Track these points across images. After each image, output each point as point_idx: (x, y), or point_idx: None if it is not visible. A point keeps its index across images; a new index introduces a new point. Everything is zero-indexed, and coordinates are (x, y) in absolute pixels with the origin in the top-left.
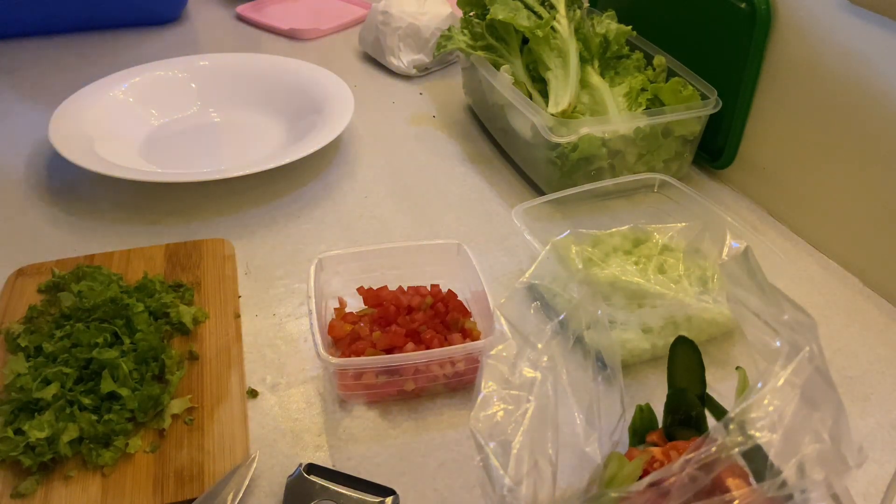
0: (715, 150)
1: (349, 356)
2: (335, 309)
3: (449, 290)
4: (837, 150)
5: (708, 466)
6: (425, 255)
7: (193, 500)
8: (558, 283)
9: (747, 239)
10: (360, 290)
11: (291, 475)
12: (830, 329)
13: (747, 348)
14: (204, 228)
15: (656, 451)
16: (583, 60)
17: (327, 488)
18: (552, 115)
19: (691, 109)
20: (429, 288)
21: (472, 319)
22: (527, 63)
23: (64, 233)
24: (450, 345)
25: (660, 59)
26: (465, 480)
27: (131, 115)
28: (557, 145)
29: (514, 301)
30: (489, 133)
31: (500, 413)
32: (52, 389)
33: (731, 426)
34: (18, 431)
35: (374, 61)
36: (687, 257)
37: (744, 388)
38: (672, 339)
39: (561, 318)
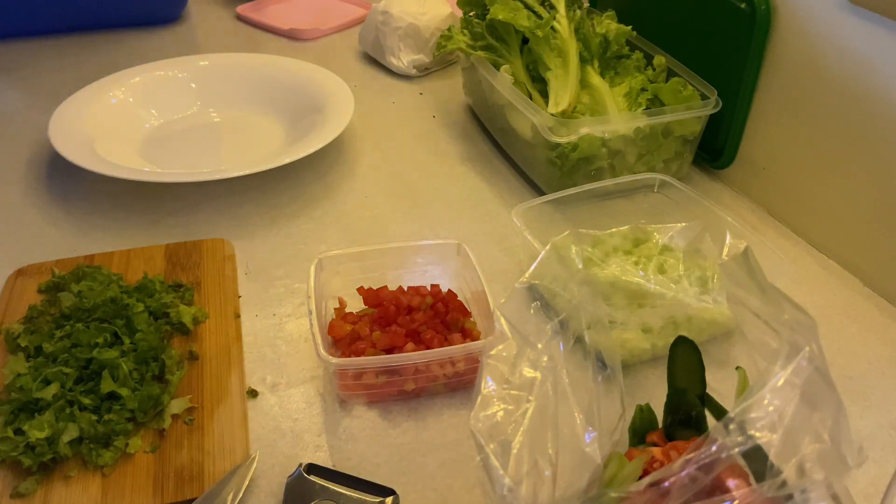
0: (715, 150)
1: (349, 356)
2: (335, 309)
3: (449, 290)
4: (837, 150)
5: (708, 466)
6: (425, 255)
7: (193, 500)
8: (558, 283)
9: (747, 239)
10: (360, 290)
11: (291, 475)
12: (830, 329)
13: (747, 348)
14: (204, 228)
15: (656, 451)
16: (583, 60)
17: (327, 488)
18: (552, 115)
19: (691, 109)
20: (429, 288)
21: (472, 319)
22: (527, 63)
23: (64, 233)
24: (450, 345)
25: (660, 59)
26: (465, 480)
27: (131, 115)
28: (557, 145)
29: (514, 301)
30: (489, 133)
31: (500, 413)
32: (52, 389)
33: (731, 426)
34: (18, 431)
35: (374, 61)
36: (687, 257)
37: (744, 388)
38: (672, 339)
39: (561, 318)
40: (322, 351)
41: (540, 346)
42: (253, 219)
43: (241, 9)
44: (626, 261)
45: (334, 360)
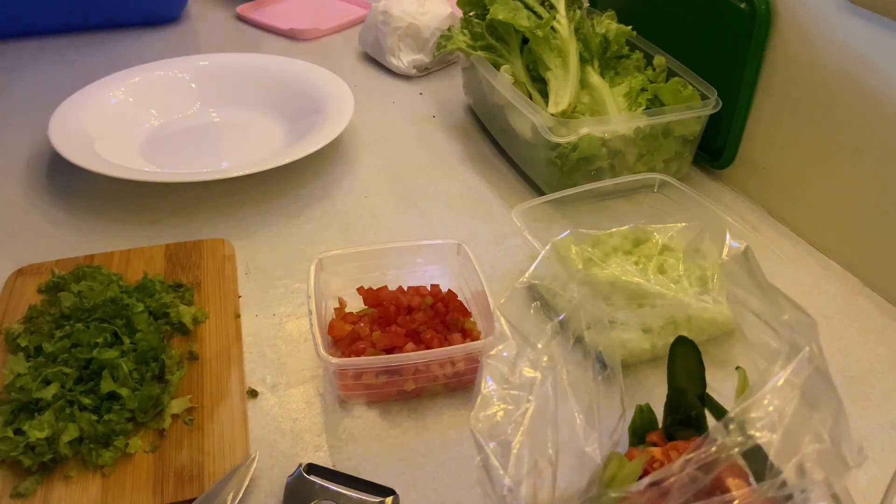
0: (715, 150)
1: (349, 356)
2: (335, 309)
3: (449, 290)
4: (837, 149)
5: (708, 466)
6: (425, 255)
7: (193, 500)
8: (558, 283)
9: (747, 239)
10: (360, 290)
11: (291, 475)
12: (830, 329)
13: (747, 348)
14: (204, 228)
15: (656, 451)
16: (583, 60)
17: (327, 488)
18: (552, 115)
19: (691, 109)
20: (429, 288)
21: (472, 319)
22: (527, 63)
23: (64, 233)
24: (450, 345)
25: (660, 59)
26: (465, 480)
27: (131, 115)
28: (557, 145)
29: (514, 301)
30: (489, 133)
31: (500, 413)
32: (52, 389)
33: (731, 426)
34: (18, 431)
35: (374, 61)
36: (687, 257)
37: (744, 388)
38: (672, 339)
39: (561, 318)
40: (322, 351)
41: (540, 346)
42: (253, 219)
43: (241, 9)
44: (626, 261)
45: (334, 360)
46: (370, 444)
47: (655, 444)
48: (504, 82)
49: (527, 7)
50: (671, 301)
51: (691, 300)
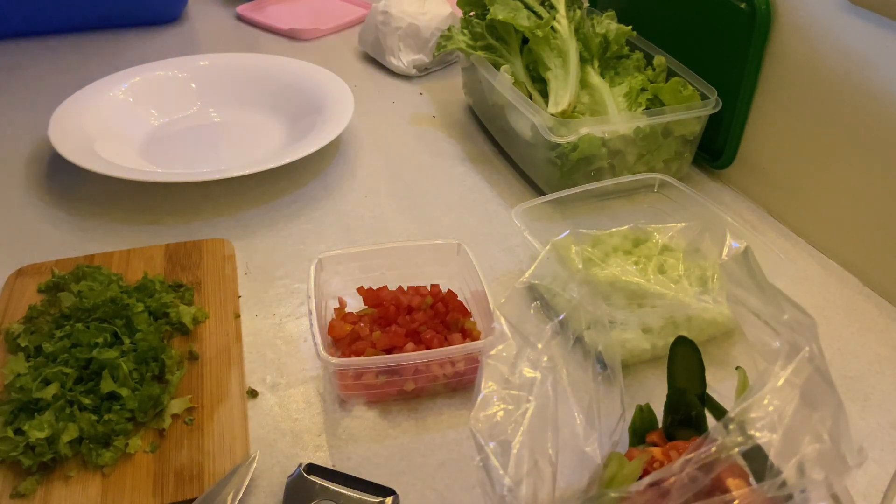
0: (715, 150)
1: (349, 356)
2: (335, 309)
3: (449, 290)
4: (837, 149)
5: (708, 466)
6: (425, 255)
7: (193, 500)
8: (558, 283)
9: (747, 239)
10: (360, 290)
11: (291, 475)
12: (830, 329)
13: (747, 348)
14: (204, 228)
15: (656, 451)
16: (583, 60)
17: (327, 488)
18: (552, 115)
19: (691, 109)
20: (429, 288)
21: (472, 319)
22: (527, 63)
23: (64, 233)
24: (450, 345)
25: (660, 59)
26: (465, 480)
27: (131, 115)
28: (557, 145)
29: (514, 301)
30: (489, 133)
31: (500, 413)
32: (52, 389)
33: (731, 426)
34: (18, 431)
35: (374, 61)
36: (687, 257)
37: (744, 388)
38: (672, 339)
39: (561, 318)
40: (322, 351)
41: (540, 346)
42: (253, 219)
43: (241, 9)
44: (626, 261)
45: (334, 360)
46: (370, 444)
47: (655, 444)
48: (504, 82)
49: (527, 7)
50: (671, 301)
51: (691, 300)
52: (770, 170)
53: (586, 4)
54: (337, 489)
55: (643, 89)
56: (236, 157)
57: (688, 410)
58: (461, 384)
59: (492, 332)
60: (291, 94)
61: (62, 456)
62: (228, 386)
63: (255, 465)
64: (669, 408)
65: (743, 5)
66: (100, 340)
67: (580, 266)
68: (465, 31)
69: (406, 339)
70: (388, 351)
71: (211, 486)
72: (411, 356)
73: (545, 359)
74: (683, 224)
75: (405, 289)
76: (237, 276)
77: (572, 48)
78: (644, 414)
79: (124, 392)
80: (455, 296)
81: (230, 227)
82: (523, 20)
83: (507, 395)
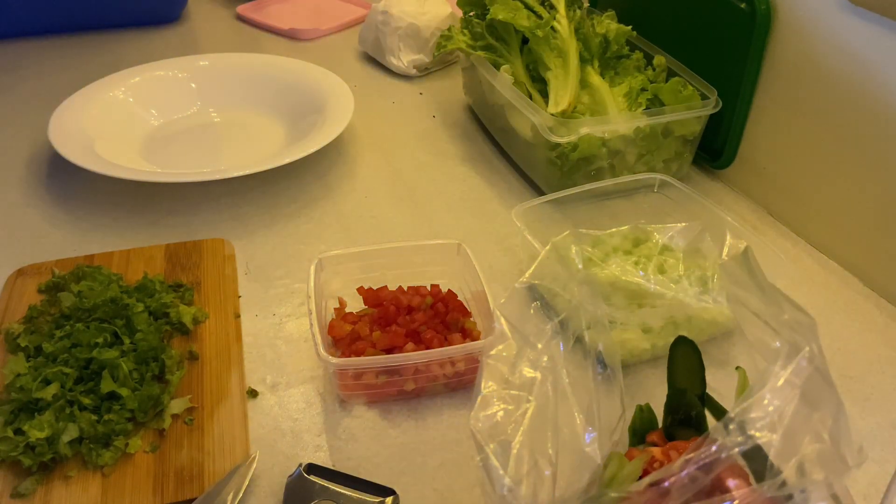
0: (715, 150)
1: (349, 356)
2: (335, 309)
3: (449, 290)
4: (838, 149)
5: (708, 466)
6: (425, 255)
7: (193, 500)
8: (558, 283)
9: (747, 239)
10: (360, 290)
11: (291, 475)
12: (830, 329)
13: (747, 348)
14: (204, 228)
15: (656, 451)
16: (583, 60)
17: (327, 488)
18: (552, 115)
19: (691, 109)
20: (429, 288)
21: (472, 319)
22: (527, 63)
23: (64, 233)
24: (450, 345)
25: (660, 59)
26: (465, 480)
27: (131, 115)
28: (557, 145)
29: (514, 301)
30: (489, 133)
31: (500, 413)
32: (52, 389)
33: (731, 426)
34: (18, 431)
35: (374, 61)
36: (687, 257)
37: (744, 388)
38: (672, 339)
39: (561, 318)
40: (322, 351)
41: (540, 346)
42: (253, 219)
43: (242, 9)
44: (626, 261)
45: (334, 360)
46: (370, 444)
47: (655, 444)
48: (504, 82)
49: (527, 7)
50: (671, 301)
51: (691, 300)
52: (770, 170)
53: (586, 4)
54: (337, 489)
55: (643, 89)
56: (236, 157)
57: (688, 410)
58: (461, 384)
59: (492, 332)
60: (291, 94)
61: (62, 456)
62: (228, 386)
63: (255, 465)
64: (669, 408)
65: (743, 5)
66: (100, 340)
67: (580, 266)
68: (465, 31)
69: (406, 339)
70: (388, 351)
71: (211, 486)
72: (411, 356)
73: (545, 359)
74: (683, 224)
75: (405, 289)
76: (237, 276)
77: (572, 48)
78: (644, 414)
79: (124, 392)
80: (455, 296)
81: (230, 227)
82: (523, 20)
83: (507, 396)
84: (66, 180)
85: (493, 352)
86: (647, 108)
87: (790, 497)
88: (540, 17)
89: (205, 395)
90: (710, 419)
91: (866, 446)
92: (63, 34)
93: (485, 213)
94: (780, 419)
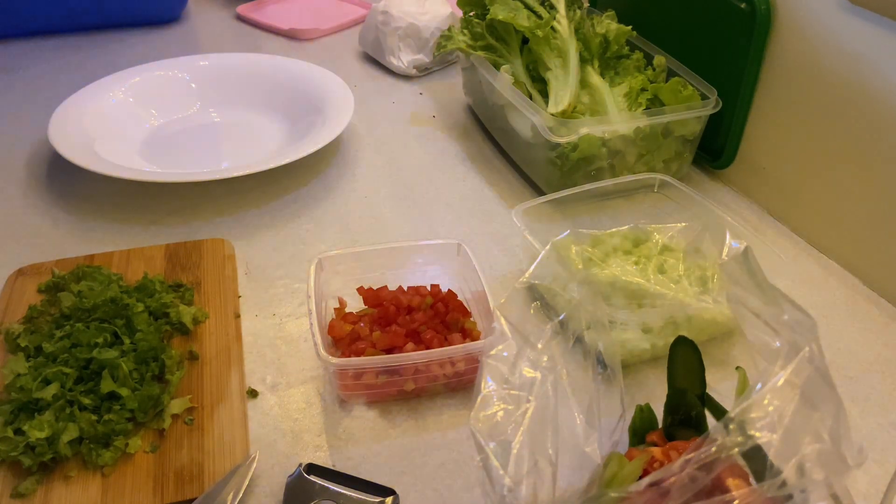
0: (715, 150)
1: (349, 356)
2: (335, 309)
3: (449, 289)
4: (838, 149)
5: (708, 466)
6: (425, 255)
7: (193, 500)
8: (558, 283)
9: (747, 239)
10: (360, 290)
11: (291, 475)
12: (830, 329)
13: (747, 348)
14: (204, 228)
15: (656, 451)
16: (583, 60)
17: (327, 488)
18: (552, 115)
19: (691, 109)
20: (429, 288)
21: (472, 319)
22: (527, 63)
23: (64, 233)
24: (450, 345)
25: (660, 59)
26: (465, 480)
27: (131, 115)
28: (557, 145)
29: (514, 301)
30: (489, 133)
31: (500, 413)
32: (52, 389)
33: (731, 426)
34: (18, 431)
35: (374, 61)
36: (687, 257)
37: (744, 388)
38: (672, 339)
39: (561, 318)
40: (322, 351)
41: (540, 346)
42: (253, 219)
43: (241, 9)
44: (626, 261)
45: (334, 360)
46: (370, 444)
47: (655, 444)
48: (504, 82)
49: (527, 7)
50: (671, 301)
51: (691, 300)
52: (770, 169)
53: (586, 4)
54: (337, 489)
55: (643, 89)
56: (236, 157)
57: (688, 410)
58: (461, 384)
59: (492, 332)
60: (292, 94)
61: (62, 456)
62: (228, 386)
63: (255, 465)
64: (669, 408)
65: (743, 5)
66: (100, 340)
67: (580, 266)
68: (465, 31)
69: (406, 339)
70: (388, 351)
71: (211, 486)
72: (411, 356)
73: (545, 359)
74: (683, 224)
75: (405, 289)
76: (237, 276)
77: (572, 48)
78: (644, 414)
79: (124, 392)
80: (455, 296)
81: (230, 227)
82: (523, 20)
83: (507, 395)
84: (66, 180)
85: (493, 352)
86: (647, 108)
87: (790, 497)
88: (540, 17)
89: (205, 395)
90: (711, 419)
91: (866, 446)
92: (63, 34)
93: (485, 212)
94: (780, 419)
